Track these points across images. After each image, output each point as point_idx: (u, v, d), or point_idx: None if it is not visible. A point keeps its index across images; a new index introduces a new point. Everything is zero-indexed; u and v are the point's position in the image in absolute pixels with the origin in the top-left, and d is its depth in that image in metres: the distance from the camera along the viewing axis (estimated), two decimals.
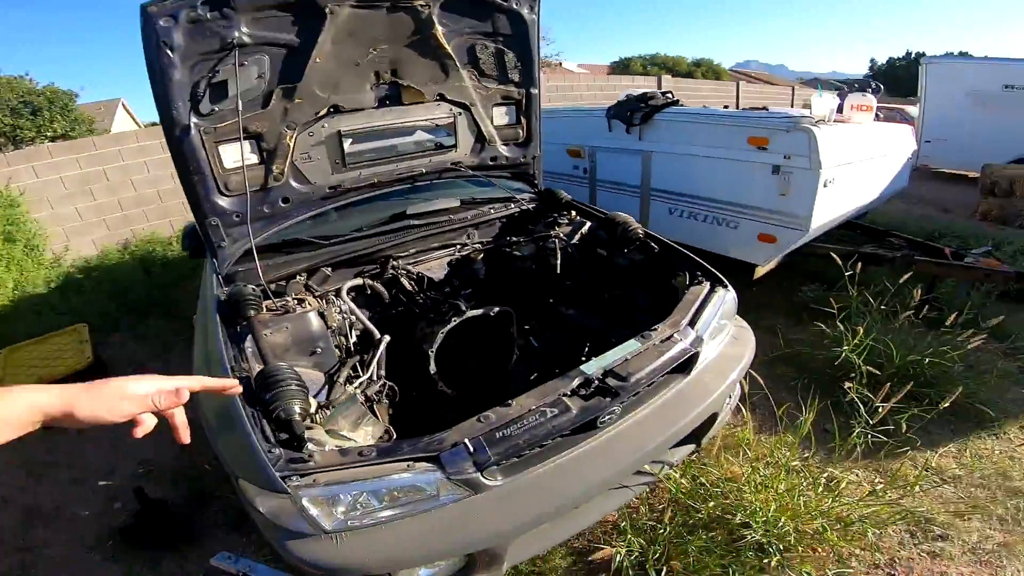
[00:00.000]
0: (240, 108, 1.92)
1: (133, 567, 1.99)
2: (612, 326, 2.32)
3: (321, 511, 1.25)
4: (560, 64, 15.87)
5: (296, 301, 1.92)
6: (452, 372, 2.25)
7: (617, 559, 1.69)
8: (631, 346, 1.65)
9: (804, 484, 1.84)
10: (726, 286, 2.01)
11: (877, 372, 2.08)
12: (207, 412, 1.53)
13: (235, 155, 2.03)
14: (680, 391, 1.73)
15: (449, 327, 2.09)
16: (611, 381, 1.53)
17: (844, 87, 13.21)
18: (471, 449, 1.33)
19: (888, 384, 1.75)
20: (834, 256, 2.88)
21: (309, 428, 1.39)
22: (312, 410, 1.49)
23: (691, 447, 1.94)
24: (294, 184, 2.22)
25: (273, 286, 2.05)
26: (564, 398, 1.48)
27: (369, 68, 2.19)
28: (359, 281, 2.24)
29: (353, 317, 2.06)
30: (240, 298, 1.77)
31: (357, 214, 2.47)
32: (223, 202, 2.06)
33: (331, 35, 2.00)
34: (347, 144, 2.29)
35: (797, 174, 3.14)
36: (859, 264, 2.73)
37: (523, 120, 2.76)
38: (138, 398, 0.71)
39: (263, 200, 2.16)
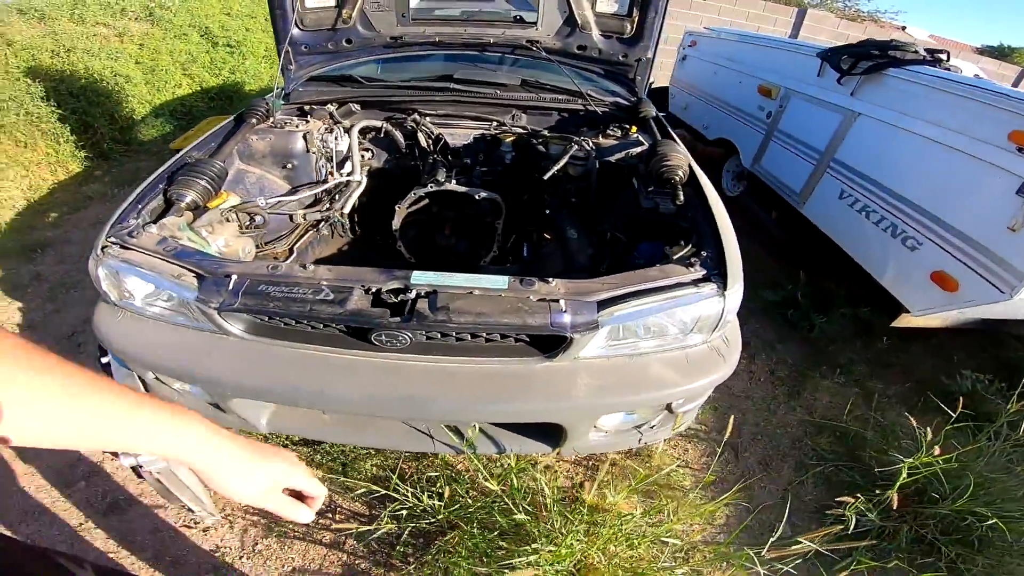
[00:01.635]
0: None
1: None
2: (595, 269, 1.92)
3: (109, 283, 1.32)
4: (903, 28, 11.47)
5: (303, 122, 2.09)
6: (423, 242, 2.23)
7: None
8: (495, 282, 1.30)
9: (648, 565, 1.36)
10: (723, 290, 1.37)
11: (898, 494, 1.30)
12: None
13: None
14: (526, 372, 1.34)
15: (424, 191, 2.04)
16: (422, 304, 1.22)
17: None
18: (230, 286, 1.24)
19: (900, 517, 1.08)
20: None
21: (179, 216, 1.51)
22: (226, 206, 1.68)
23: (545, 447, 1.56)
24: (360, 29, 2.27)
25: (307, 108, 2.25)
26: (357, 289, 1.23)
27: None
28: (376, 123, 2.27)
29: (348, 152, 2.15)
30: (252, 106, 2.03)
31: (410, 66, 2.45)
32: (296, 34, 2.25)
33: None
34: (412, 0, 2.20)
35: None
36: None
37: (636, 12, 2.20)
38: (276, 499, 0.64)
39: (330, 38, 2.29)
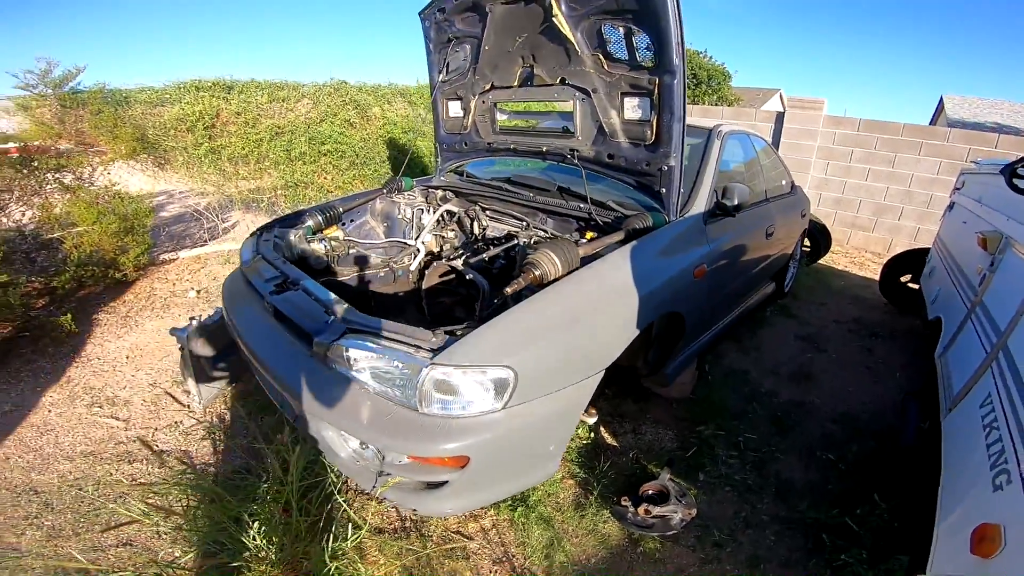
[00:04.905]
0: (444, 78, 3.03)
1: None
2: None
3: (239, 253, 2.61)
4: None
5: (413, 197, 3.15)
6: (443, 305, 2.82)
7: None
8: (325, 294, 1.92)
9: None
10: (430, 362, 1.54)
11: None
12: None
13: (453, 109, 3.21)
14: (301, 353, 1.82)
15: (436, 263, 2.69)
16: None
17: None
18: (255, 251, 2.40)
19: None
20: None
21: (298, 230, 2.65)
22: (339, 235, 2.84)
23: None
24: (473, 135, 3.15)
25: (428, 190, 3.26)
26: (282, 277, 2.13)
27: (517, 54, 2.63)
28: (454, 209, 3.06)
29: (425, 223, 3.05)
30: (390, 180, 3.19)
31: (499, 165, 3.15)
32: (442, 134, 3.35)
33: (493, 28, 2.62)
34: (498, 115, 2.95)
35: None
36: None
37: (654, 116, 2.22)
38: None
39: (457, 141, 3.26)
